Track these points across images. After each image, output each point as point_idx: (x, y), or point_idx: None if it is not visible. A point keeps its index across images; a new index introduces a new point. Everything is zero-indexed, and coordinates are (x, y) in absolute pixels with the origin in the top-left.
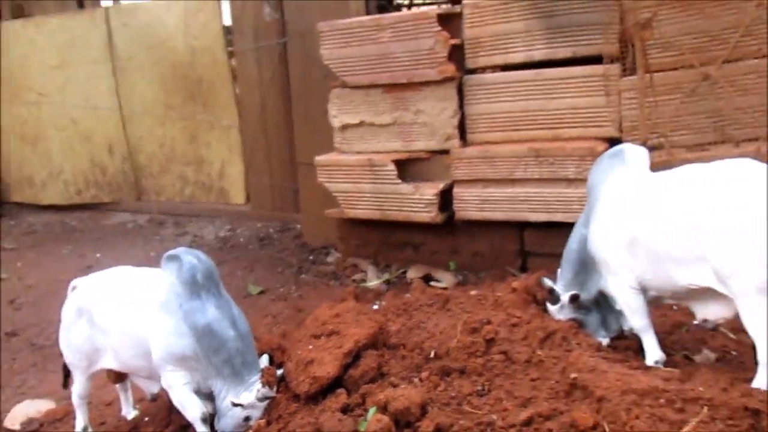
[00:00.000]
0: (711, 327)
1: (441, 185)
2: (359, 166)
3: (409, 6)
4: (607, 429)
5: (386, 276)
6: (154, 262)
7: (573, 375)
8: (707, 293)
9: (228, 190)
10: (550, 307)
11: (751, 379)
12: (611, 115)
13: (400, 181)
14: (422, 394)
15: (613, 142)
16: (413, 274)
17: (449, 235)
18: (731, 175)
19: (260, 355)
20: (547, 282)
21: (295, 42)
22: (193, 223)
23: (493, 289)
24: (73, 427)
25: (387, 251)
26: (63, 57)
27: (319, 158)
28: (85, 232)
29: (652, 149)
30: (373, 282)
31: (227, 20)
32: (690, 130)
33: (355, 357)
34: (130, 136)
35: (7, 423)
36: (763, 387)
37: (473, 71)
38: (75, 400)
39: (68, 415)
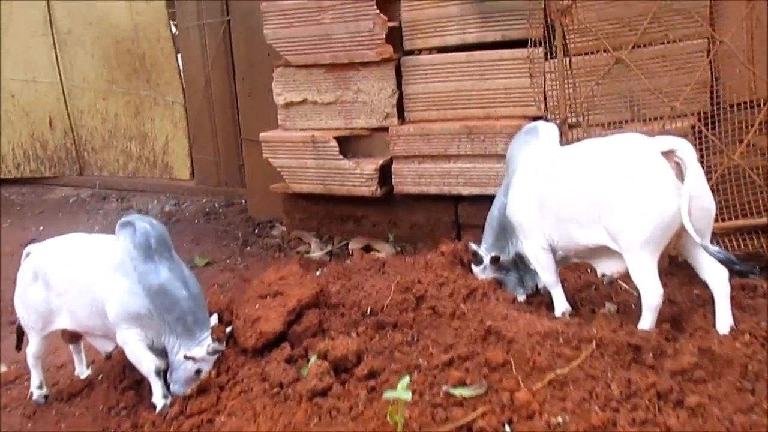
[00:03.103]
0: (609, 281)
1: (380, 161)
2: (302, 143)
3: None
4: (513, 364)
5: (329, 248)
6: None
7: (488, 322)
8: (603, 251)
9: (172, 165)
10: (475, 268)
11: (638, 322)
12: (536, 96)
13: (341, 157)
14: (359, 344)
15: (538, 119)
16: (354, 245)
17: (389, 208)
18: (619, 148)
19: (210, 315)
20: (472, 246)
21: (239, 20)
22: (137, 198)
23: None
24: (27, 387)
25: (330, 224)
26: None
27: (264, 135)
28: (26, 206)
29: (571, 127)
30: (317, 253)
31: None
32: (605, 109)
33: (298, 315)
34: (72, 111)
35: None
36: (646, 327)
37: (410, 53)
38: (30, 360)
39: (20, 377)
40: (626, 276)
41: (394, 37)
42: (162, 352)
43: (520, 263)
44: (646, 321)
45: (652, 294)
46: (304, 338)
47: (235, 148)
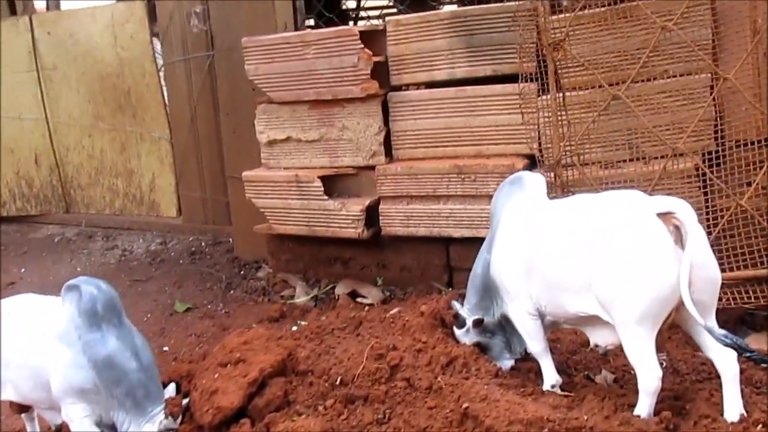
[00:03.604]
0: (602, 353)
1: (367, 201)
2: (286, 182)
3: (356, 17)
4: None
5: (314, 292)
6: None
7: (466, 404)
8: (595, 320)
9: (159, 202)
10: (457, 331)
11: (633, 406)
12: (529, 133)
13: (326, 197)
14: (323, 424)
15: (531, 158)
16: (341, 290)
17: (377, 251)
18: (615, 208)
19: (168, 383)
20: (455, 306)
21: (223, 55)
22: (123, 236)
23: (415, 304)
24: None
25: (317, 266)
26: None
27: (247, 174)
28: (9, 246)
29: (566, 166)
30: (301, 299)
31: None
32: (603, 147)
33: (261, 385)
34: (57, 147)
35: None
36: (643, 414)
37: (398, 88)
38: None
39: None
40: None
41: (380, 72)
42: (111, 428)
43: (506, 325)
44: (644, 406)
45: (649, 377)
46: (266, 413)
47: (221, 185)
